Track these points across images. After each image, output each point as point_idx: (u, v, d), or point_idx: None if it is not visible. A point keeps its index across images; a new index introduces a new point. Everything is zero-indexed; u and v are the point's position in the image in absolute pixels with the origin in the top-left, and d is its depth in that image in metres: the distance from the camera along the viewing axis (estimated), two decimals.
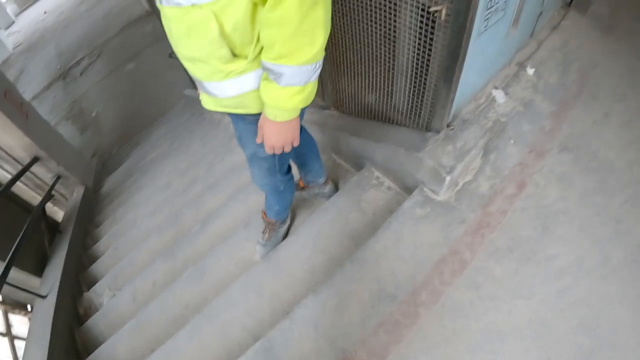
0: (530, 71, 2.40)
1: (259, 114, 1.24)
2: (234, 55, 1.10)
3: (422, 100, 1.74)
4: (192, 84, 4.14)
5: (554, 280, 1.72)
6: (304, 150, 1.88)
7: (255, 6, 1.00)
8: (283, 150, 1.26)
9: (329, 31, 1.04)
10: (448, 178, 1.65)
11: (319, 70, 1.10)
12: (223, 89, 1.20)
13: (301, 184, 2.14)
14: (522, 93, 2.26)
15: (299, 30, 0.96)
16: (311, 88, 1.11)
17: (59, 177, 3.59)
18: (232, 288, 1.86)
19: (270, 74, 1.06)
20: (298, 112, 1.18)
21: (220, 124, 3.41)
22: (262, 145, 1.27)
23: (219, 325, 1.79)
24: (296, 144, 1.26)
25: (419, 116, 1.80)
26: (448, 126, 1.81)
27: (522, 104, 2.21)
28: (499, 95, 2.19)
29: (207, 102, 1.34)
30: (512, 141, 2.03)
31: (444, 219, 1.74)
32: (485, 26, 1.72)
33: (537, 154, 2.04)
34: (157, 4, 1.08)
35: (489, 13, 1.69)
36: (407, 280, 1.61)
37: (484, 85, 2.21)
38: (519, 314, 1.63)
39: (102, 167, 4.53)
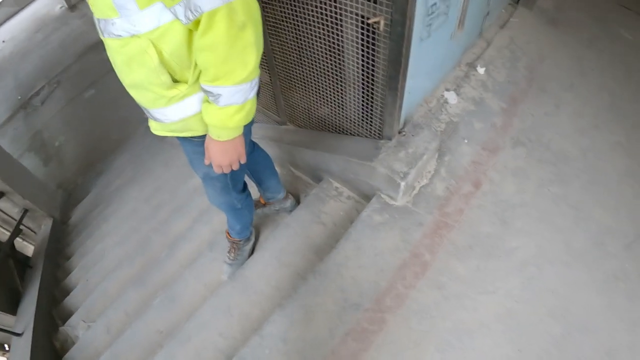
0: (481, 70, 2.47)
1: (205, 136, 1.27)
2: (175, 80, 1.13)
3: (371, 110, 1.78)
4: None
5: (518, 272, 1.77)
6: (259, 167, 1.91)
7: (190, 32, 1.03)
8: (232, 168, 1.29)
9: (261, 50, 1.07)
10: (402, 184, 1.68)
11: (256, 88, 1.13)
12: (167, 114, 1.23)
13: (262, 201, 2.16)
14: (472, 92, 2.33)
15: (231, 53, 0.99)
16: (250, 105, 1.14)
17: (26, 211, 3.53)
18: (202, 310, 1.85)
19: (209, 96, 1.10)
20: (241, 130, 1.21)
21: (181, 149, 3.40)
22: (211, 165, 1.30)
23: (192, 349, 1.79)
24: (243, 161, 1.29)
25: (371, 125, 1.84)
26: (400, 132, 1.85)
27: (473, 103, 2.27)
28: (451, 96, 2.25)
29: (154, 128, 1.36)
30: (465, 141, 2.08)
31: (402, 223, 1.77)
32: (428, 32, 1.76)
33: (491, 150, 2.10)
34: (100, 35, 1.11)
35: (431, 19, 1.72)
36: (370, 287, 1.63)
37: (435, 88, 2.27)
38: (485, 309, 1.67)
39: (69, 198, 4.46)
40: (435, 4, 1.64)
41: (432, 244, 1.75)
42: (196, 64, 1.10)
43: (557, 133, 2.35)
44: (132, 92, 1.23)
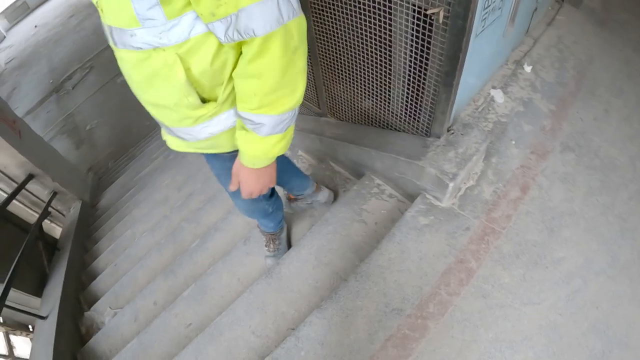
0: (528, 69, 2.37)
1: (235, 151, 1.15)
2: (203, 100, 1.02)
3: (421, 106, 1.70)
4: None
5: (563, 284, 1.69)
6: (278, 173, 1.81)
7: (222, 46, 0.91)
8: (262, 193, 1.18)
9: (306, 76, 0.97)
10: (451, 185, 1.61)
11: (297, 113, 1.02)
12: (193, 133, 1.10)
13: (291, 197, 2.08)
14: (520, 92, 2.23)
15: (282, 82, 0.89)
16: (291, 132, 1.05)
17: (55, 194, 3.55)
18: (235, 306, 1.81)
19: (248, 124, 0.98)
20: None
21: None
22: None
23: (224, 345, 1.75)
24: (273, 184, 1.19)
25: (419, 121, 1.76)
26: (448, 131, 1.78)
27: (522, 104, 2.18)
28: (497, 95, 2.16)
29: (176, 145, 1.24)
30: (513, 142, 1.99)
31: (448, 227, 1.70)
32: (483, 26, 1.68)
33: (539, 155, 2.00)
34: (110, 44, 0.96)
35: (486, 13, 1.65)
36: (413, 292, 1.57)
37: (482, 86, 2.18)
38: (528, 320, 1.60)
39: (99, 182, 4.48)
40: None
41: (478, 250, 1.67)
42: (229, 80, 0.98)
43: (605, 140, 2.25)
44: (152, 111, 1.09)
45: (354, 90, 1.93)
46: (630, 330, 1.62)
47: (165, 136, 1.27)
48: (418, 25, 1.45)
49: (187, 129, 1.09)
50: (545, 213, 1.83)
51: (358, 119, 2.06)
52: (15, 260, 2.55)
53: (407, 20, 1.49)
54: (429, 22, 1.43)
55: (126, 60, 0.95)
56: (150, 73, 0.93)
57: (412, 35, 1.51)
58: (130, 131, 4.71)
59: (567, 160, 2.04)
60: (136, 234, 3.09)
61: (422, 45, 1.49)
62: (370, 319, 1.54)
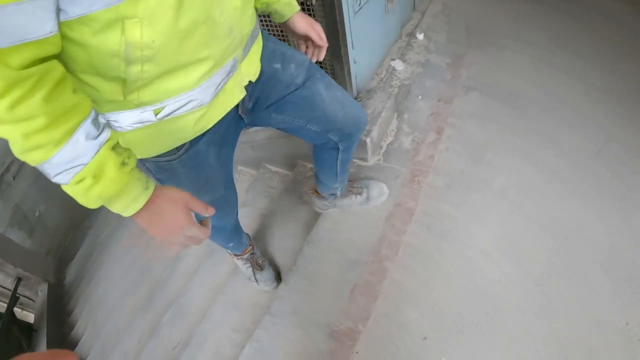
0: (420, 37, 2.63)
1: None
2: None
3: None
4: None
5: (501, 199, 1.87)
6: (317, 165, 1.61)
7: None
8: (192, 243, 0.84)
9: None
10: (368, 140, 1.78)
11: None
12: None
13: (315, 191, 1.81)
14: (417, 57, 2.48)
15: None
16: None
17: (19, 280, 3.52)
18: (212, 311, 1.89)
19: None
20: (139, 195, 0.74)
21: None
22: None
23: (211, 349, 1.81)
24: (202, 234, 0.82)
25: None
26: (355, 99, 1.96)
27: (420, 66, 2.42)
28: (397, 64, 2.39)
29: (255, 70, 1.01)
30: (420, 97, 2.21)
31: (379, 179, 1.86)
32: (359, 5, 1.88)
33: (446, 101, 2.23)
34: None
35: None
36: (364, 242, 1.71)
37: (381, 61, 2.40)
38: (479, 238, 1.76)
39: (60, 260, 4.45)
40: None
41: (412, 191, 1.84)
42: None
43: (504, 72, 2.51)
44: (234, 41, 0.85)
45: None
46: (580, 221, 1.80)
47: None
48: (304, 9, 1.65)
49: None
50: (464, 145, 2.03)
51: None
52: None
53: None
54: (308, 6, 1.63)
55: None
56: None
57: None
58: (79, 205, 4.74)
59: (472, 99, 2.27)
60: (107, 288, 3.10)
61: None
62: (333, 277, 1.67)
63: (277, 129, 1.28)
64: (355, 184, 1.79)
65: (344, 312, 1.60)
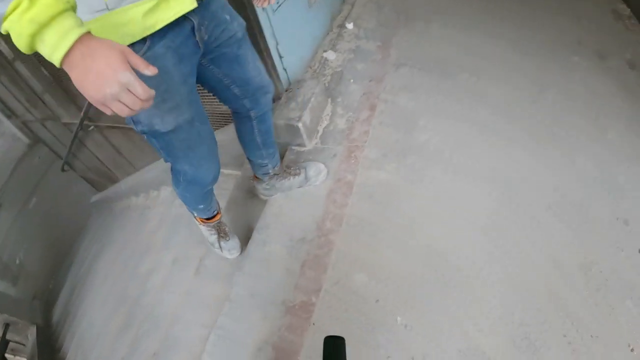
0: (350, 26, 2.75)
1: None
2: None
3: None
4: (97, 189, 4.29)
5: (437, 158, 1.95)
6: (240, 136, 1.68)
7: None
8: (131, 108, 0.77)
9: None
10: (300, 124, 1.88)
11: None
12: None
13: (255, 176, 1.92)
14: (348, 45, 2.59)
15: None
16: None
17: (7, 325, 3.57)
18: (182, 313, 1.96)
19: None
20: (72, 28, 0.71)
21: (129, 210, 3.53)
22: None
23: (184, 349, 1.87)
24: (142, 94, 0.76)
25: None
26: (287, 91, 2.06)
27: (351, 52, 2.53)
28: (329, 55, 2.50)
29: None
30: (351, 81, 2.32)
31: (318, 160, 1.95)
32: (278, 2, 1.99)
33: (377, 80, 2.33)
34: None
35: None
36: (309, 220, 1.79)
37: (314, 54, 2.51)
38: (420, 198, 1.83)
39: (46, 303, 4.50)
40: None
41: (350, 166, 1.93)
42: None
43: (432, 45, 2.61)
44: None
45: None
46: (519, 169, 1.88)
47: None
48: None
49: None
50: (396, 117, 2.12)
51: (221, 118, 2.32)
52: None
53: None
54: None
55: None
56: None
57: None
58: (59, 244, 4.80)
59: (402, 74, 2.38)
60: (92, 319, 3.15)
61: None
62: (283, 257, 1.74)
63: (209, 90, 1.39)
64: (294, 166, 1.88)
65: (297, 287, 1.68)
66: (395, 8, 3.01)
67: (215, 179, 1.50)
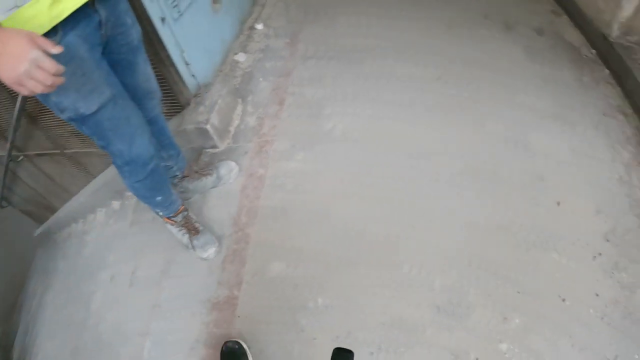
0: (260, 27, 2.82)
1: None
2: None
3: (166, 91, 2.03)
4: (39, 221, 4.19)
5: (342, 143, 2.06)
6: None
7: None
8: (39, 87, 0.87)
9: None
10: (208, 127, 1.94)
11: None
12: None
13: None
14: (257, 45, 2.67)
15: None
16: None
17: None
18: (122, 327, 1.98)
19: None
20: None
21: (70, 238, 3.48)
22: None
23: None
24: (50, 67, 0.86)
25: (174, 102, 2.10)
26: (195, 96, 2.12)
27: (260, 52, 2.61)
28: (240, 57, 2.56)
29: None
30: (261, 79, 2.39)
31: (230, 159, 2.02)
32: (179, 12, 2.02)
33: (285, 75, 2.42)
34: None
35: (174, 1, 1.99)
36: (225, 216, 1.86)
37: (224, 57, 2.56)
38: (328, 184, 1.93)
39: (4, 348, 4.39)
40: None
41: (261, 160, 2.01)
42: None
43: (339, 35, 2.71)
44: None
45: None
46: (430, 142, 2.00)
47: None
48: None
49: None
50: (303, 108, 2.21)
51: None
52: None
53: None
54: None
55: None
56: None
57: None
58: (9, 287, 4.71)
59: (309, 66, 2.47)
60: (46, 353, 3.10)
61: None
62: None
63: None
64: (205, 168, 1.94)
65: (220, 283, 1.74)
66: (303, 5, 3.10)
67: (152, 155, 1.48)
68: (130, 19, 1.31)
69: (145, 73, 1.47)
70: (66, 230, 3.53)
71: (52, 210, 3.83)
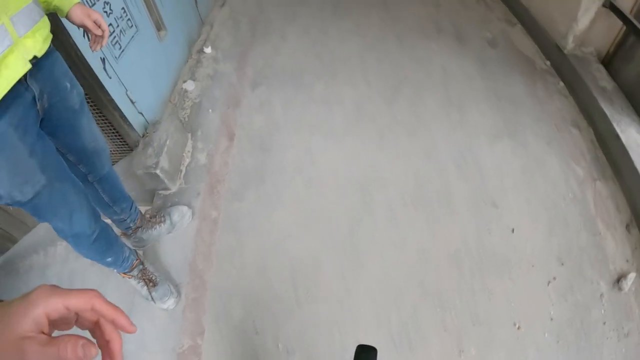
0: (208, 50, 2.77)
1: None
2: None
3: (114, 134, 2.00)
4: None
5: (296, 175, 2.09)
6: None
7: None
8: None
9: None
10: (158, 171, 1.92)
11: None
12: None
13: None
14: (206, 71, 2.63)
15: None
16: None
17: None
18: None
19: None
20: None
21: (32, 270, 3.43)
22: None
23: None
24: None
25: (122, 144, 2.06)
26: (143, 136, 2.09)
27: (209, 78, 2.58)
28: (189, 85, 2.53)
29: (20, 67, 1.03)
30: (210, 111, 2.37)
31: (182, 202, 2.02)
32: (120, 48, 1.96)
33: (234, 105, 2.41)
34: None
35: (115, 37, 1.91)
36: (182, 264, 1.87)
37: (173, 86, 2.52)
38: (282, 219, 1.96)
39: None
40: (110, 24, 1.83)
41: (213, 201, 2.01)
42: None
43: (287, 57, 2.72)
44: None
45: None
46: (375, 167, 2.05)
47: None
48: None
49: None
50: (253, 141, 2.22)
51: None
52: None
53: None
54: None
55: None
56: None
57: None
58: None
59: (259, 93, 2.47)
60: None
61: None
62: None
63: None
64: (158, 214, 1.93)
65: (182, 332, 1.75)
66: (250, 22, 3.07)
67: (94, 228, 1.45)
68: (69, 82, 1.25)
69: (91, 133, 1.41)
70: (28, 261, 3.47)
71: (12, 241, 3.75)
